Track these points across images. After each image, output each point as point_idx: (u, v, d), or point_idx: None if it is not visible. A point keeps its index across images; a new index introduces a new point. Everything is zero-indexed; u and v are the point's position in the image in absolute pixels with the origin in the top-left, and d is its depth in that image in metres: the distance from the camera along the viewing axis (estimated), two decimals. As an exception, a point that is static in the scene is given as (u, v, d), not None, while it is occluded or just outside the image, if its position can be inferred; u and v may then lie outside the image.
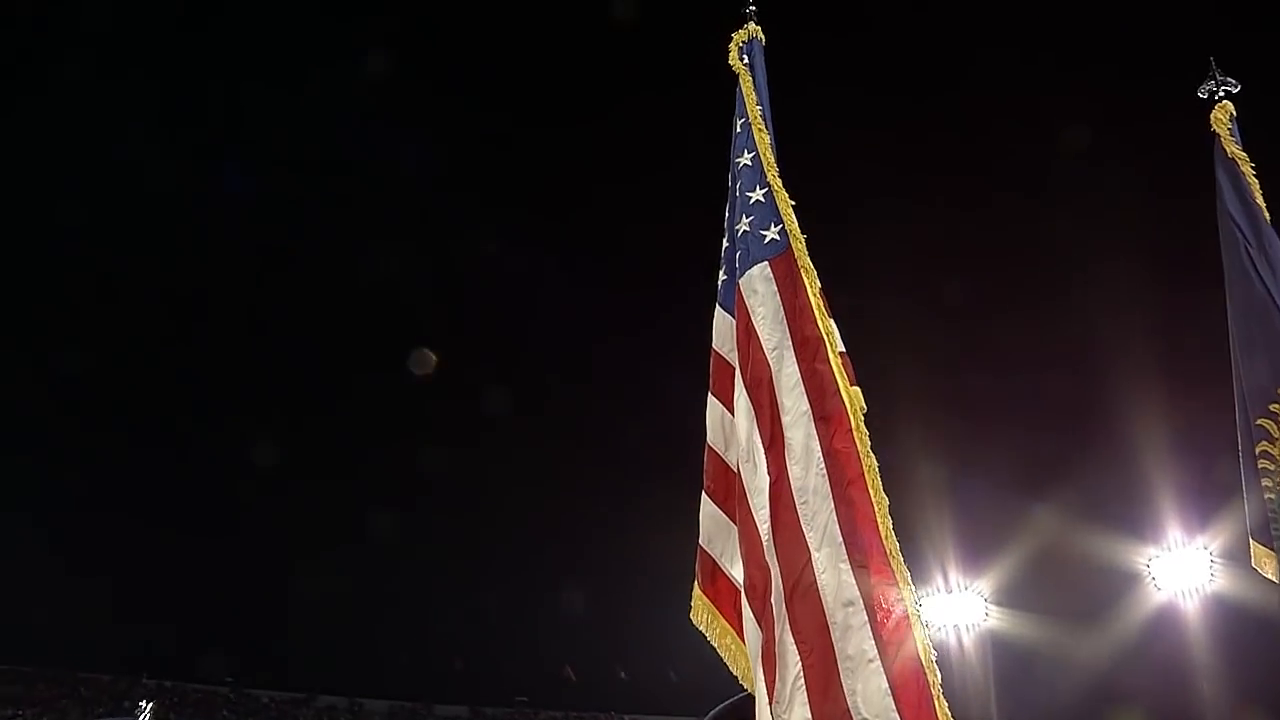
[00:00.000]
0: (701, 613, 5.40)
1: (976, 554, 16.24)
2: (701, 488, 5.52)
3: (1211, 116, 6.18)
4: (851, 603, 4.80)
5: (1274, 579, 5.56)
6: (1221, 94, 6.17)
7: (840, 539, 4.90)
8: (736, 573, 5.32)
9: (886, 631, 4.74)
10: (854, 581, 4.83)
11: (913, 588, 4.87)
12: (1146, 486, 14.96)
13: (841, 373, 5.14)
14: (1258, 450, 5.60)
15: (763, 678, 4.92)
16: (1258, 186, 5.93)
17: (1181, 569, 14.48)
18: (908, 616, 4.75)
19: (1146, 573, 14.75)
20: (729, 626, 5.35)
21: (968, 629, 17.72)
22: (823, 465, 5.02)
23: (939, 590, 16.82)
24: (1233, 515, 14.38)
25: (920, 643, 4.70)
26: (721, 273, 5.78)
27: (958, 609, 16.21)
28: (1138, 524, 15.03)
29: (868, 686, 4.64)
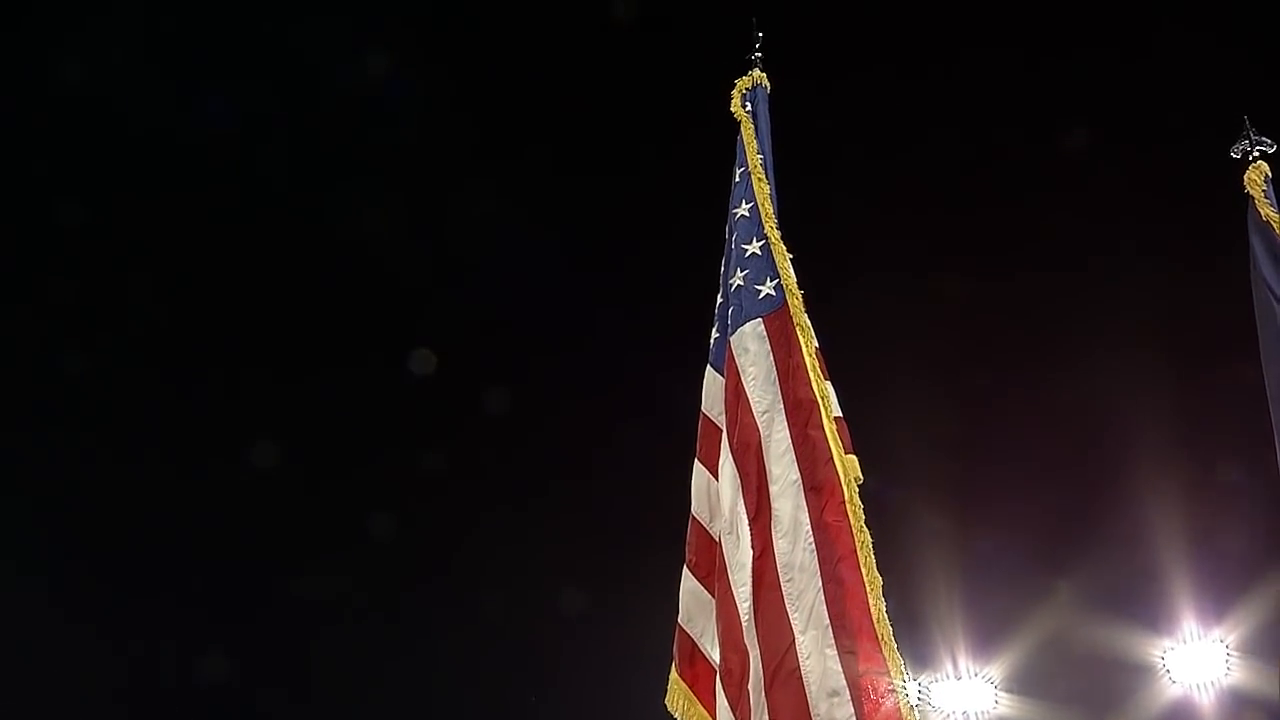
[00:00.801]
0: (678, 699, 4.96)
1: (987, 640, 15.66)
2: (684, 561, 5.12)
3: (1245, 177, 5.81)
4: (837, 693, 4.35)
5: None
6: (1256, 154, 5.81)
7: (828, 621, 4.47)
8: (717, 656, 4.89)
9: None
10: (841, 669, 4.38)
11: (905, 677, 4.42)
12: (1162, 577, 14.41)
13: (836, 440, 4.74)
14: None
15: None
16: None
17: (1197, 662, 13.85)
18: (899, 710, 4.30)
19: (1161, 665, 14.15)
20: (708, 715, 4.91)
21: (977, 716, 17.19)
22: (811, 540, 4.60)
23: (948, 676, 16.33)
24: (1249, 608, 13.87)
25: (912, 741, 4.25)
26: (714, 330, 5.43)
27: (967, 695, 15.73)
28: (1153, 615, 14.44)
29: None
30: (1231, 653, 14.05)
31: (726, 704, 4.54)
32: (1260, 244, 5.68)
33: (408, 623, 13.13)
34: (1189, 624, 14.33)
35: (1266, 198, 5.73)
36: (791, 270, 5.11)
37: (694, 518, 5.16)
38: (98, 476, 12.35)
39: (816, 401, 4.77)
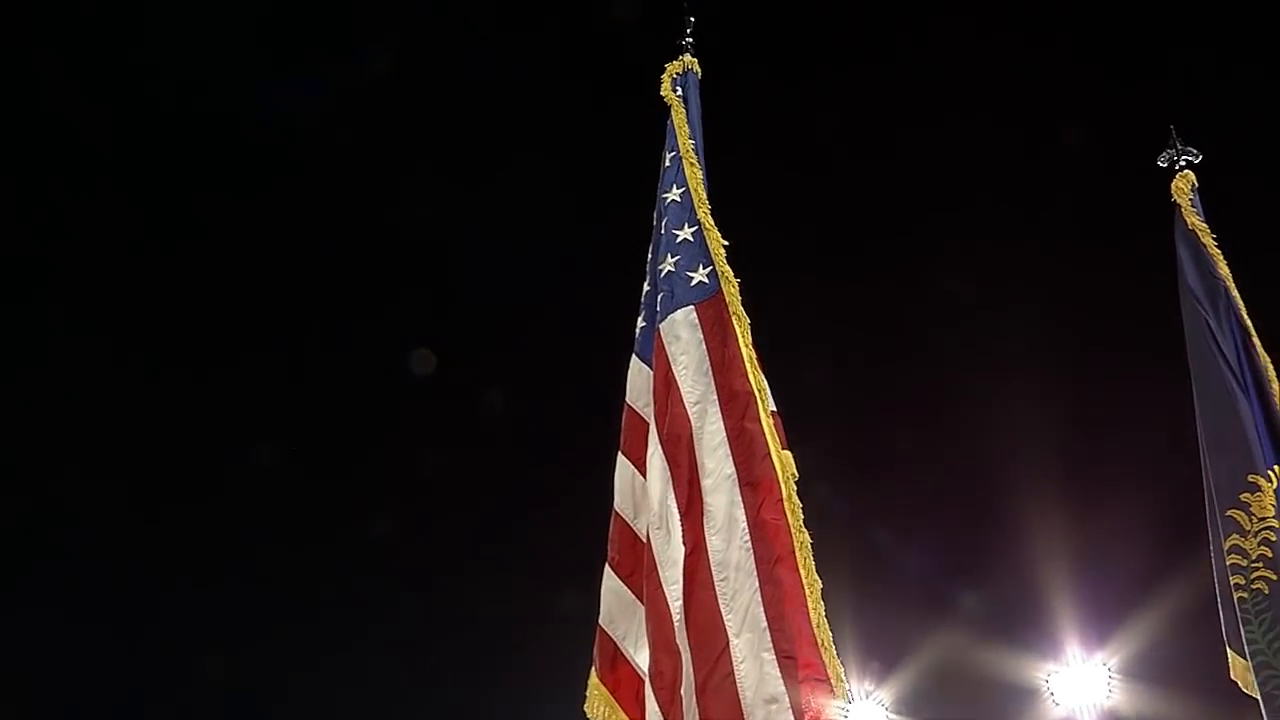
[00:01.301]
0: (597, 705, 4.64)
1: (878, 663, 15.65)
2: (605, 559, 4.81)
3: (1172, 186, 5.78)
4: (775, 700, 4.09)
5: (1250, 693, 4.96)
6: (1183, 163, 5.78)
7: (764, 624, 4.20)
8: (641, 659, 4.59)
9: None
10: (779, 674, 4.12)
11: (846, 685, 4.18)
12: (1047, 602, 14.58)
13: (773, 434, 4.50)
14: (1227, 546, 5.05)
15: None
16: (1221, 257, 5.51)
17: (1080, 685, 14.11)
18: (838, 720, 4.06)
19: (1045, 687, 14.37)
20: (629, 723, 4.61)
21: (865, 738, 17.35)
22: (747, 537, 4.34)
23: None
24: (1130, 633, 14.16)
25: (854, 751, 4.01)
26: (640, 319, 5.15)
27: (858, 718, 15.77)
28: (1038, 639, 14.60)
29: None
30: (1113, 676, 14.36)
31: (657, 709, 4.24)
32: (1186, 251, 5.65)
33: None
34: (1072, 648, 14.60)
35: (1193, 206, 5.70)
36: (725, 258, 4.87)
37: (617, 513, 4.86)
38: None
39: (753, 393, 4.53)
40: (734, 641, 4.20)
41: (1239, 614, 4.99)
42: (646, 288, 5.14)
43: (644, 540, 4.72)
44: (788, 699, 4.06)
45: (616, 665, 4.65)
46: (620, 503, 4.86)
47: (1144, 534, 14.06)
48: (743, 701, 4.11)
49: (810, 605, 4.20)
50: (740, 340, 4.65)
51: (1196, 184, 5.74)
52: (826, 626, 4.20)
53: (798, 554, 4.27)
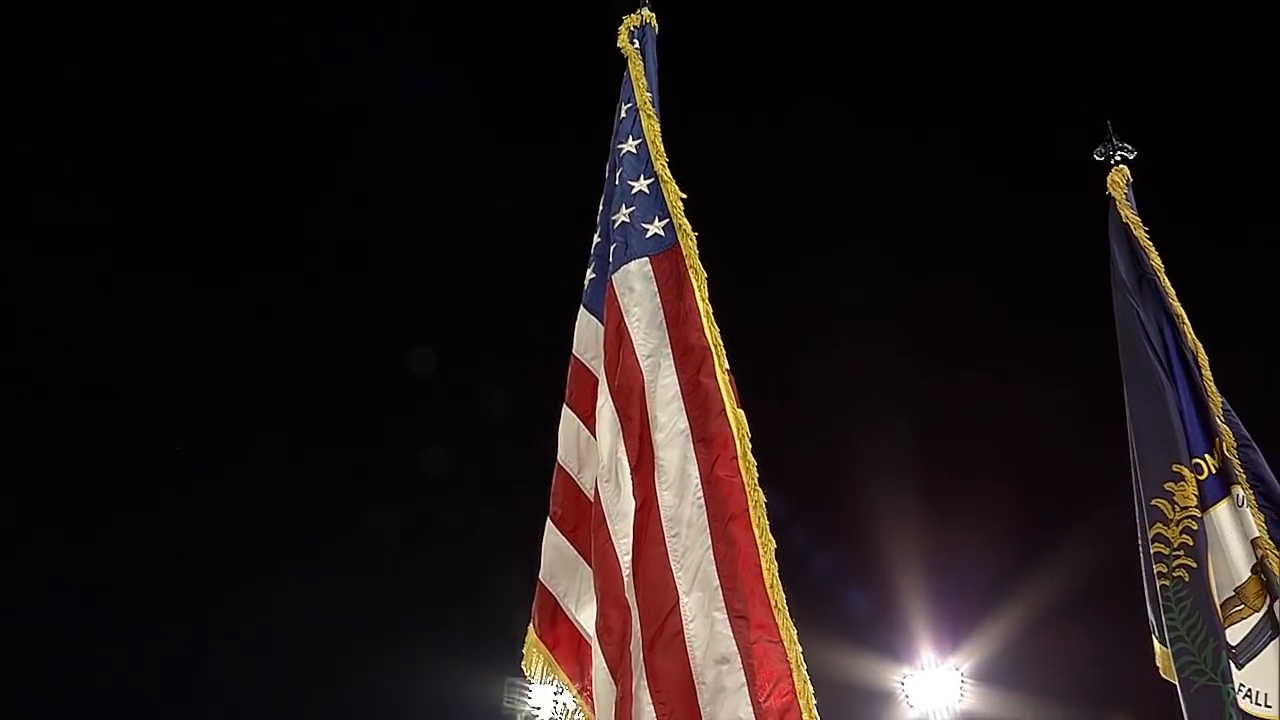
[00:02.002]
0: (536, 662, 4.44)
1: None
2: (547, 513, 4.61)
3: (1108, 180, 5.85)
4: (726, 660, 3.95)
5: (1171, 680, 5.01)
6: (1118, 158, 5.86)
7: (716, 582, 4.06)
8: (583, 618, 4.40)
9: (767, 698, 3.90)
10: (730, 634, 3.98)
11: (799, 648, 4.05)
12: (902, 609, 14.91)
13: (729, 391, 4.36)
14: (1151, 534, 5.10)
15: None
16: (1153, 249, 5.59)
17: (934, 688, 14.53)
18: (793, 684, 3.93)
19: (901, 690, 14.73)
20: (570, 681, 4.41)
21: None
22: (700, 494, 4.19)
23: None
24: (982, 638, 14.59)
25: (808, 716, 3.88)
26: (589, 270, 4.97)
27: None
28: (893, 644, 14.95)
29: None
30: (966, 680, 14.83)
31: (605, 665, 4.05)
32: (1119, 245, 5.72)
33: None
34: (927, 652, 15.02)
35: (1128, 200, 5.78)
36: (683, 210, 4.72)
37: (560, 466, 4.68)
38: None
39: (709, 349, 4.39)
40: (684, 599, 4.06)
41: (1161, 601, 5.05)
42: (597, 239, 4.97)
43: (588, 495, 4.55)
44: (739, 659, 3.93)
45: (556, 622, 4.46)
46: (564, 456, 4.69)
47: (996, 542, 14.48)
48: (692, 660, 3.97)
49: (763, 565, 4.08)
50: (697, 294, 4.51)
51: (1131, 179, 5.81)
52: (779, 587, 4.08)
53: (751, 513, 4.15)
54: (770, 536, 4.15)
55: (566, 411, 4.75)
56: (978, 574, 14.81)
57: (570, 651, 4.42)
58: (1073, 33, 11.97)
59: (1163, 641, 5.09)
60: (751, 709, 3.87)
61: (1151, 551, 5.09)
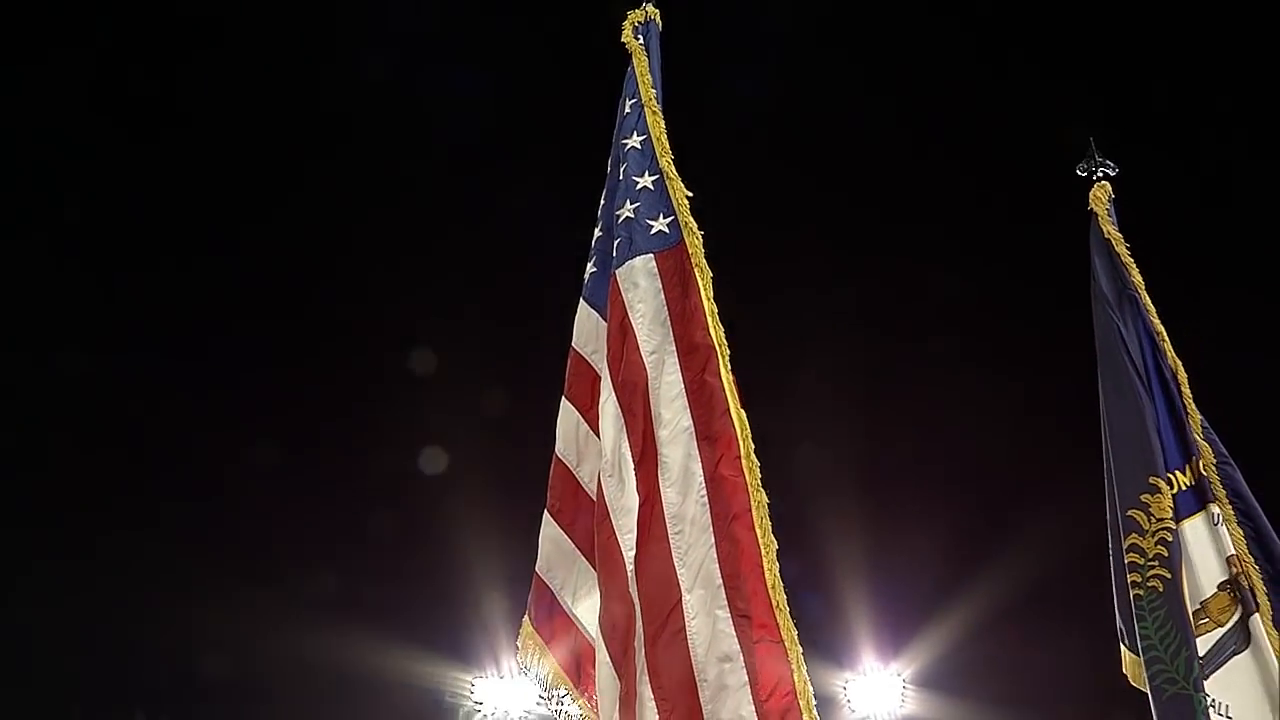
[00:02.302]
0: (531, 653, 4.43)
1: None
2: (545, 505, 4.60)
3: (1090, 195, 5.97)
4: (729, 658, 3.98)
5: (1140, 687, 5.13)
6: (1100, 174, 5.98)
7: (719, 581, 4.09)
8: (580, 611, 4.41)
9: (768, 698, 3.94)
10: (733, 633, 4.01)
11: (800, 649, 4.09)
12: (844, 614, 15.04)
13: (733, 391, 4.38)
14: (1126, 545, 5.22)
15: None
16: (1134, 265, 5.71)
17: (875, 693, 14.68)
18: (793, 685, 3.97)
19: (843, 695, 14.85)
20: (564, 675, 4.40)
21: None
22: (704, 492, 4.21)
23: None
24: (923, 644, 14.73)
25: (809, 717, 3.92)
26: (590, 264, 4.96)
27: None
28: (835, 649, 15.07)
29: None
30: (907, 685, 14.97)
31: (609, 660, 4.04)
32: (1101, 260, 5.83)
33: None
34: (868, 658, 15.13)
35: (1110, 216, 5.89)
36: (689, 208, 4.73)
37: (558, 459, 4.67)
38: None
39: (714, 348, 4.41)
40: (686, 596, 4.08)
41: (1134, 610, 5.15)
42: (598, 233, 4.96)
43: (586, 489, 4.55)
44: (742, 658, 3.96)
45: (554, 615, 4.47)
46: (563, 448, 4.68)
47: (938, 548, 14.62)
48: (694, 658, 3.99)
49: (766, 566, 4.11)
50: (702, 293, 4.51)
51: (1113, 194, 5.93)
52: (781, 588, 4.11)
53: (754, 513, 4.17)
54: (772, 537, 4.18)
55: (565, 404, 4.75)
56: (920, 579, 14.95)
57: (566, 644, 4.43)
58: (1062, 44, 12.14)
59: (1133, 650, 5.21)
60: (753, 708, 3.90)
61: (1126, 561, 5.20)
